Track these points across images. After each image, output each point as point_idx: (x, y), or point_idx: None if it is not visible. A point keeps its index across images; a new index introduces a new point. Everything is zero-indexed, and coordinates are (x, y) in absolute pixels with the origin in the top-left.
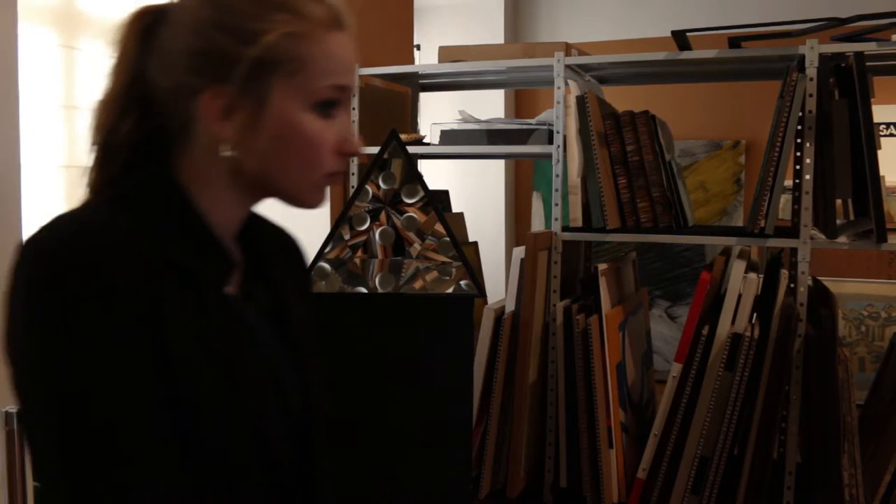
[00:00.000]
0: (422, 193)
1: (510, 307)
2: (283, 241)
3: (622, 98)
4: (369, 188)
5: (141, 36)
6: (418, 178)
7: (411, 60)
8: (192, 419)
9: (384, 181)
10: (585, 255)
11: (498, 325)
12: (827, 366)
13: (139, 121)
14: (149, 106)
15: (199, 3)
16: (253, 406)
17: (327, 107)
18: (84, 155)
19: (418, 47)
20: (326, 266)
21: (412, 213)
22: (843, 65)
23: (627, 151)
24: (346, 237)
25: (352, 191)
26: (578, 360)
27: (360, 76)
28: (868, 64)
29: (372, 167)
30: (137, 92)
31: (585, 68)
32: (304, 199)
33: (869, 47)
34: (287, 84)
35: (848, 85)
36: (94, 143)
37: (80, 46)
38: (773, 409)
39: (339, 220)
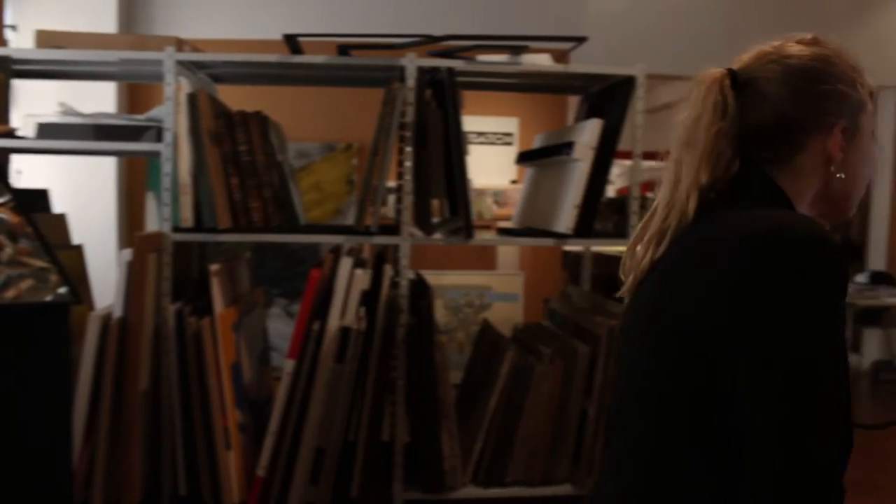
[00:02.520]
0: (9, 194)
1: (118, 312)
2: None
3: (239, 98)
4: None
5: (729, 89)
6: (2, 176)
7: (2, 42)
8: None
9: None
10: (200, 256)
11: (104, 331)
12: (426, 351)
13: (734, 155)
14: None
15: (811, 62)
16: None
17: (874, 136)
18: None
19: (14, 28)
20: None
21: (2, 213)
22: (437, 78)
23: (239, 151)
24: None
25: None
26: (192, 363)
27: None
28: (458, 79)
29: None
30: (735, 132)
31: (199, 65)
32: (853, 210)
33: (459, 64)
34: (865, 119)
35: (442, 96)
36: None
37: None
38: (381, 395)
39: None
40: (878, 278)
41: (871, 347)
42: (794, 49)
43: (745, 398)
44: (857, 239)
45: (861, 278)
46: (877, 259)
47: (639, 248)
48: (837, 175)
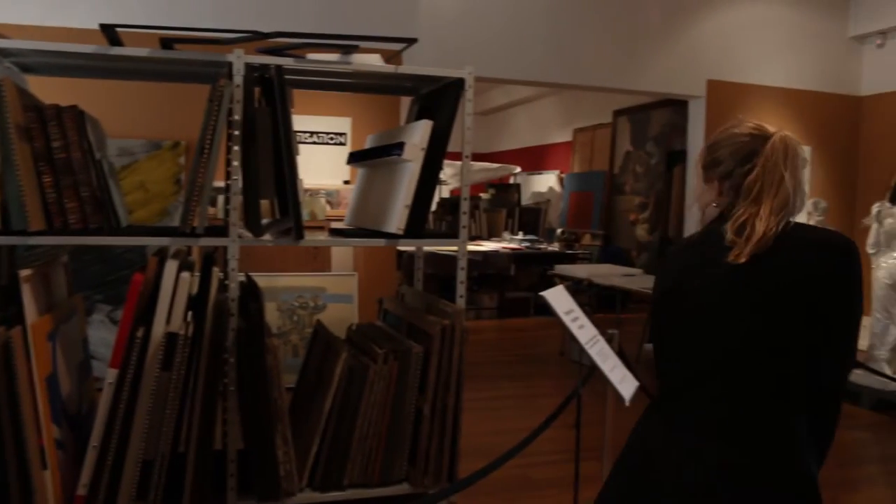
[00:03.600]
0: None
1: None
2: None
3: (53, 90)
4: None
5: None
6: None
7: None
8: None
9: None
10: (9, 261)
11: None
12: (257, 355)
13: None
14: None
15: None
16: None
17: None
18: None
19: None
20: None
21: None
22: (266, 76)
23: (53, 148)
24: None
25: None
26: (1, 378)
27: None
28: (287, 77)
29: None
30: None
31: (4, 53)
32: None
33: (288, 62)
34: None
35: (271, 95)
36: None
37: None
38: (212, 402)
39: None
40: None
41: None
42: None
43: (834, 331)
44: (674, 237)
45: None
46: None
47: (759, 225)
48: None
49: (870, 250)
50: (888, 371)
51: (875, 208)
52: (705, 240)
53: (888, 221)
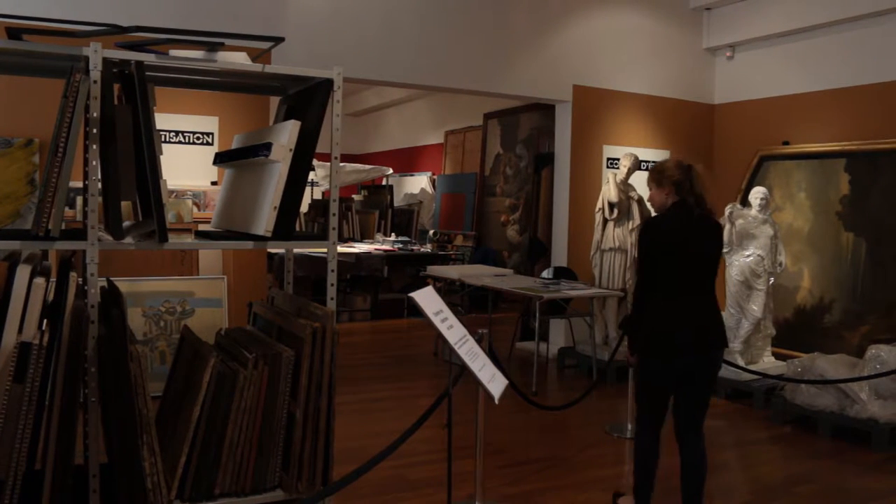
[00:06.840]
0: None
1: None
2: None
3: None
4: None
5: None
6: None
7: None
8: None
9: None
10: None
11: None
12: (119, 364)
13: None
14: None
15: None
16: None
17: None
18: None
19: None
20: None
21: None
22: (126, 71)
23: None
24: None
25: None
26: None
27: None
28: (149, 74)
29: None
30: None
31: None
32: None
33: (149, 58)
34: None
35: (131, 92)
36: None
37: None
38: (71, 415)
39: None
40: (560, 273)
41: (557, 336)
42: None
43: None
44: (544, 239)
45: (546, 273)
46: (559, 256)
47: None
48: None
49: (723, 250)
50: (741, 362)
51: (727, 210)
52: (685, 215)
53: (739, 222)
